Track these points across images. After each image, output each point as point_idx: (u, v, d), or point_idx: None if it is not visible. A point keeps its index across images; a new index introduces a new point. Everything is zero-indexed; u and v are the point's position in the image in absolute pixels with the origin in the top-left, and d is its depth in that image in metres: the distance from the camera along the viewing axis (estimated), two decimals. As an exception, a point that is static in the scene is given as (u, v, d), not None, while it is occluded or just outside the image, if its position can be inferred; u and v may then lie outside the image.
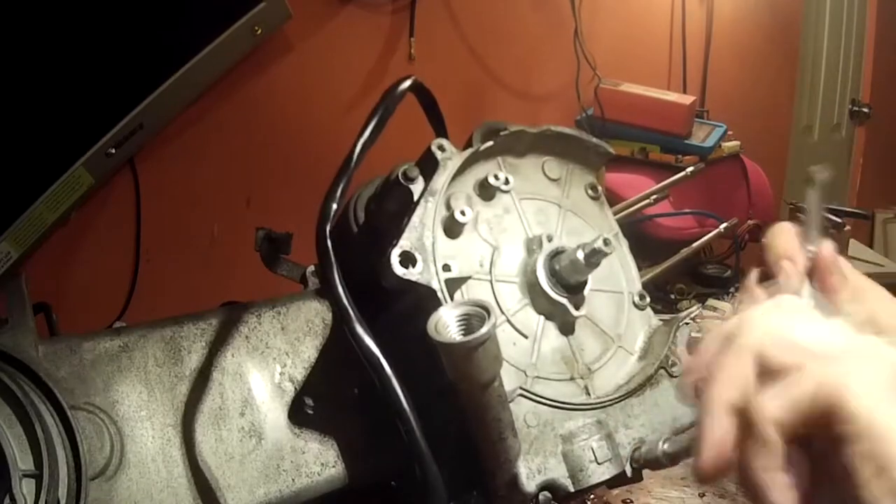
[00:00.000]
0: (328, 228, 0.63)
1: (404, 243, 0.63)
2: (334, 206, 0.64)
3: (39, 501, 0.55)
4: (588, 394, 0.70)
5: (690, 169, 1.12)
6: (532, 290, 0.70)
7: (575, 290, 0.70)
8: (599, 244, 0.67)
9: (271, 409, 0.70)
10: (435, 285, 0.63)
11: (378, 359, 0.58)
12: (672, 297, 1.94)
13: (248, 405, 0.69)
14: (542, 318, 0.70)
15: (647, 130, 2.23)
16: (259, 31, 1.86)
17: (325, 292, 0.62)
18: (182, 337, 0.69)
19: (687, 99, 2.27)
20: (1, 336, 0.60)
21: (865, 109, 3.63)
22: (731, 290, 2.03)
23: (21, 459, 0.56)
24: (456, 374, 0.56)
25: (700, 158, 2.16)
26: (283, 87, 2.02)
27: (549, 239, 0.71)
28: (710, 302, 1.90)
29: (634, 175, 2.13)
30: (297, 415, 0.71)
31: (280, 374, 0.72)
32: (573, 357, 0.71)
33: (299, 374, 0.72)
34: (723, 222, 1.98)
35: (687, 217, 2.10)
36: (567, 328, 0.71)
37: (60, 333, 0.78)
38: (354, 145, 0.67)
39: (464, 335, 0.53)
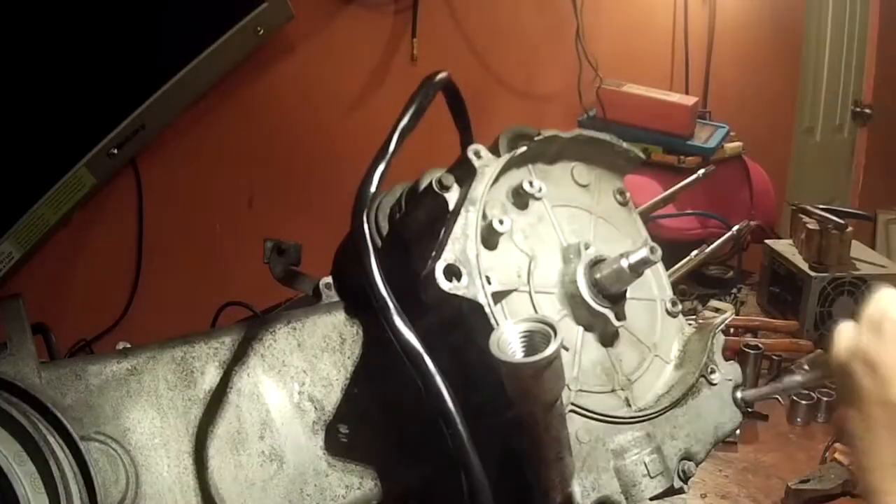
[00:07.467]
0: (365, 212, 0.58)
1: (448, 256, 0.59)
2: (372, 189, 0.58)
3: (56, 543, 0.50)
4: (629, 405, 0.67)
5: (702, 171, 1.11)
6: (572, 300, 0.67)
7: (616, 300, 0.67)
8: (646, 253, 0.64)
9: (291, 430, 0.66)
10: (482, 300, 0.59)
11: (419, 353, 0.53)
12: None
13: (267, 427, 0.65)
14: (581, 329, 0.67)
15: (650, 131, 2.22)
16: (261, 32, 1.85)
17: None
18: (194, 357, 0.65)
19: (689, 100, 2.27)
20: (1, 363, 0.54)
21: (867, 110, 3.64)
22: (733, 291, 2.03)
23: (34, 499, 0.51)
24: (519, 393, 0.52)
25: (703, 160, 2.16)
26: (286, 87, 2.01)
27: (587, 247, 0.68)
28: (712, 303, 1.89)
29: (636, 176, 2.12)
30: (322, 437, 0.67)
31: (299, 393, 0.67)
32: (613, 368, 0.68)
33: (318, 392, 0.68)
34: (725, 223, 1.98)
35: (689, 218, 2.10)
36: (607, 339, 0.68)
37: (59, 356, 0.73)
38: (393, 130, 0.62)
39: (525, 353, 0.50)
